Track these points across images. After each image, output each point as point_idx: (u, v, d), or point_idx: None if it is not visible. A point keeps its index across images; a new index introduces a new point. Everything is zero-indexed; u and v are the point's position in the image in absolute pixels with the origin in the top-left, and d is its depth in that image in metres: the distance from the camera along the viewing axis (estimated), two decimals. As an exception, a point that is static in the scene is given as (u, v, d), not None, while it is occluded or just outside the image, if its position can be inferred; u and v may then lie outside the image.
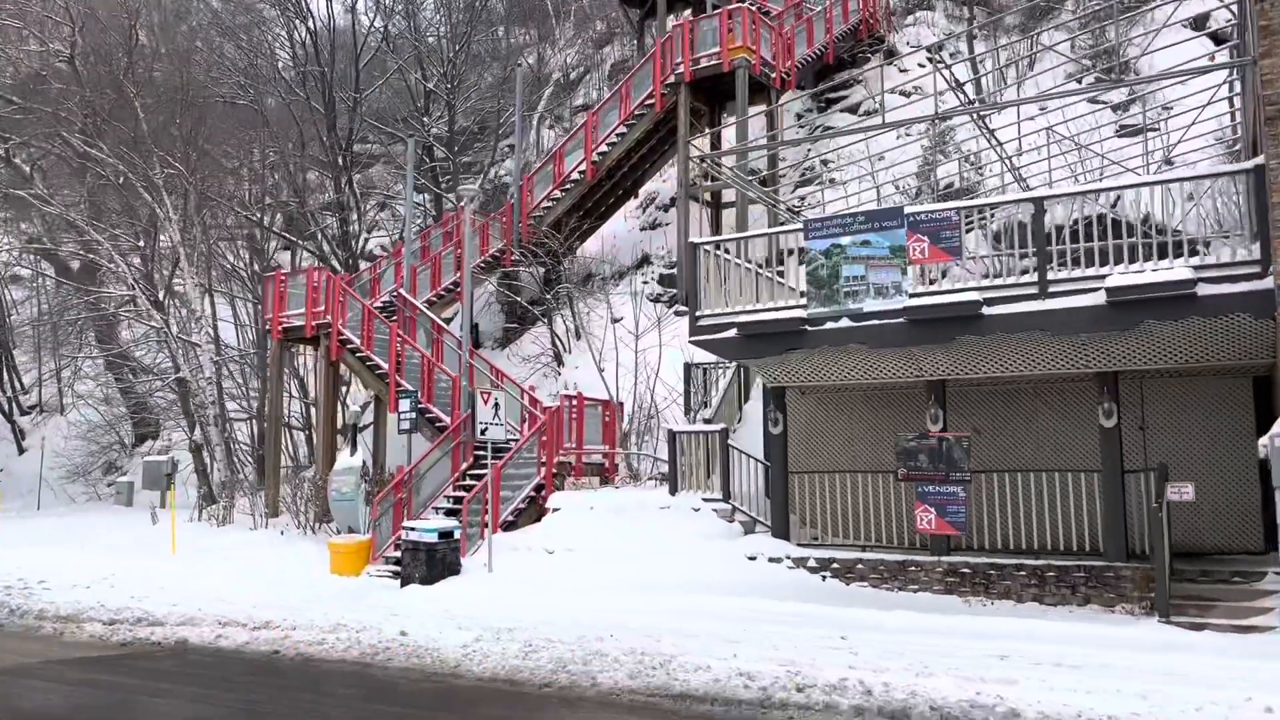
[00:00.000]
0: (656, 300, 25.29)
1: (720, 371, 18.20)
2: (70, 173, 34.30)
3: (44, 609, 12.97)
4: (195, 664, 10.04)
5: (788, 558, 13.63)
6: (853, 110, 27.78)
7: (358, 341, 21.19)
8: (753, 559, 13.84)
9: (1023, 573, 12.24)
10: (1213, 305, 10.77)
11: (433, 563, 14.92)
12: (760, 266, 14.98)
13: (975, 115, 17.51)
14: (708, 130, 26.41)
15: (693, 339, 13.97)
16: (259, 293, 26.38)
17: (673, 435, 15.61)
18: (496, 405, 15.61)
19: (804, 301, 13.11)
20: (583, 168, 25.78)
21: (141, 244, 25.13)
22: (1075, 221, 18.09)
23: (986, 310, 11.83)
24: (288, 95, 33.27)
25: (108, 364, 42.75)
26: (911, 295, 12.34)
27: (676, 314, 21.85)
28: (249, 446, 27.02)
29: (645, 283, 25.93)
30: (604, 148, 25.67)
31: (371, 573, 16.75)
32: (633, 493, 16.53)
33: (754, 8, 24.83)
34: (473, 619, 11.67)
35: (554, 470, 17.93)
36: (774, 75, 24.92)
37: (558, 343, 23.81)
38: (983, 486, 13.24)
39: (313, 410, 28.46)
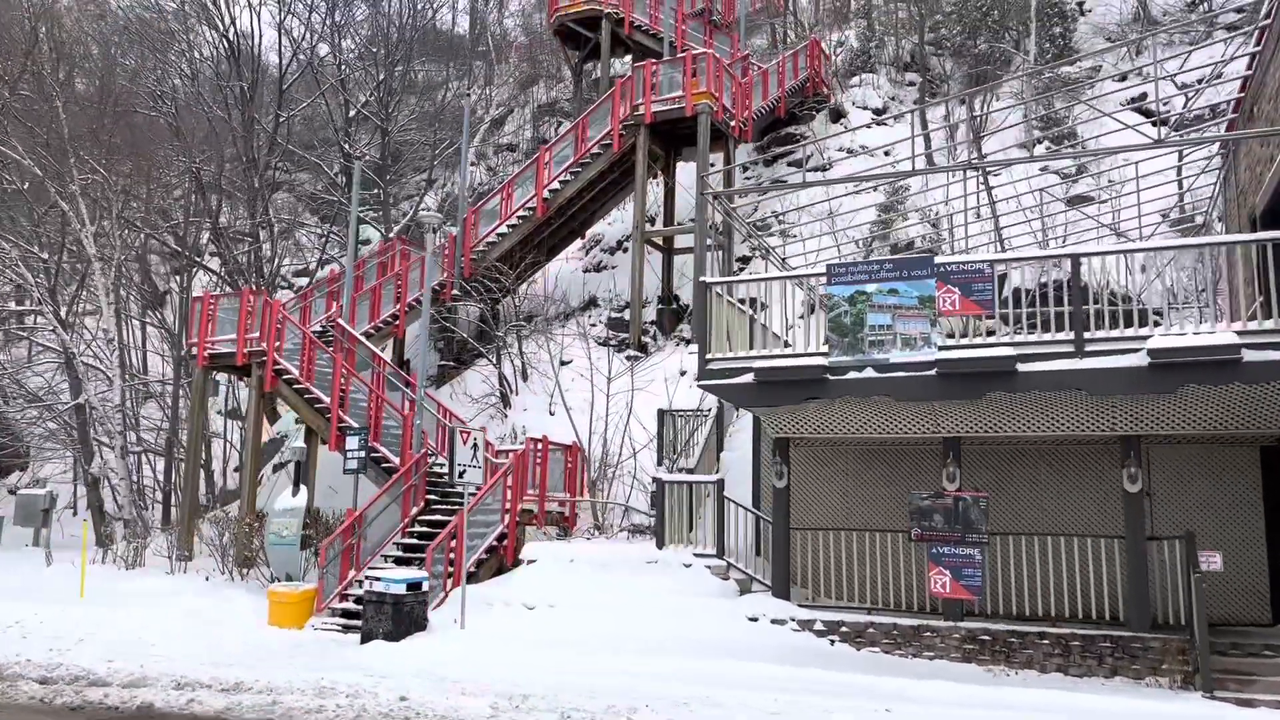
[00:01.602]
0: (605, 344, 24.48)
1: (697, 420, 17.46)
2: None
3: (-45, 664, 11.17)
4: None
5: (792, 619, 12.87)
6: (797, 164, 27.80)
7: (295, 372, 19.64)
8: (754, 620, 13.02)
9: (1046, 641, 11.79)
10: (1256, 371, 10.65)
11: (399, 617, 13.59)
12: (747, 310, 14.42)
13: (970, 170, 17.46)
14: (660, 175, 26.02)
15: (701, 383, 13.22)
16: (176, 315, 24.37)
17: (661, 485, 14.74)
18: (475, 446, 14.47)
19: (823, 349, 12.54)
20: (532, 204, 24.92)
21: (45, 256, 22.88)
22: (1044, 285, 18.30)
23: (1021, 367, 11.49)
24: (206, 110, 31.38)
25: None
26: (941, 348, 11.92)
27: (688, 352, 21.09)
28: (154, 482, 24.79)
29: (593, 325, 25.11)
30: (555, 185, 24.90)
31: (317, 625, 15.22)
32: (614, 546, 15.55)
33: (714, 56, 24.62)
34: (472, 682, 10.53)
35: (517, 519, 16.83)
36: (733, 124, 24.70)
37: (505, 383, 22.68)
38: (998, 549, 12.82)
39: (225, 445, 26.43)
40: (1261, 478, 12.96)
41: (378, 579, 13.75)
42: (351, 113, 36.05)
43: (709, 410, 17.18)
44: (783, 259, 20.70)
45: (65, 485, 33.16)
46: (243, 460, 20.12)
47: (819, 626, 12.75)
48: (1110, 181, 20.47)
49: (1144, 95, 23.53)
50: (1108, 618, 12.27)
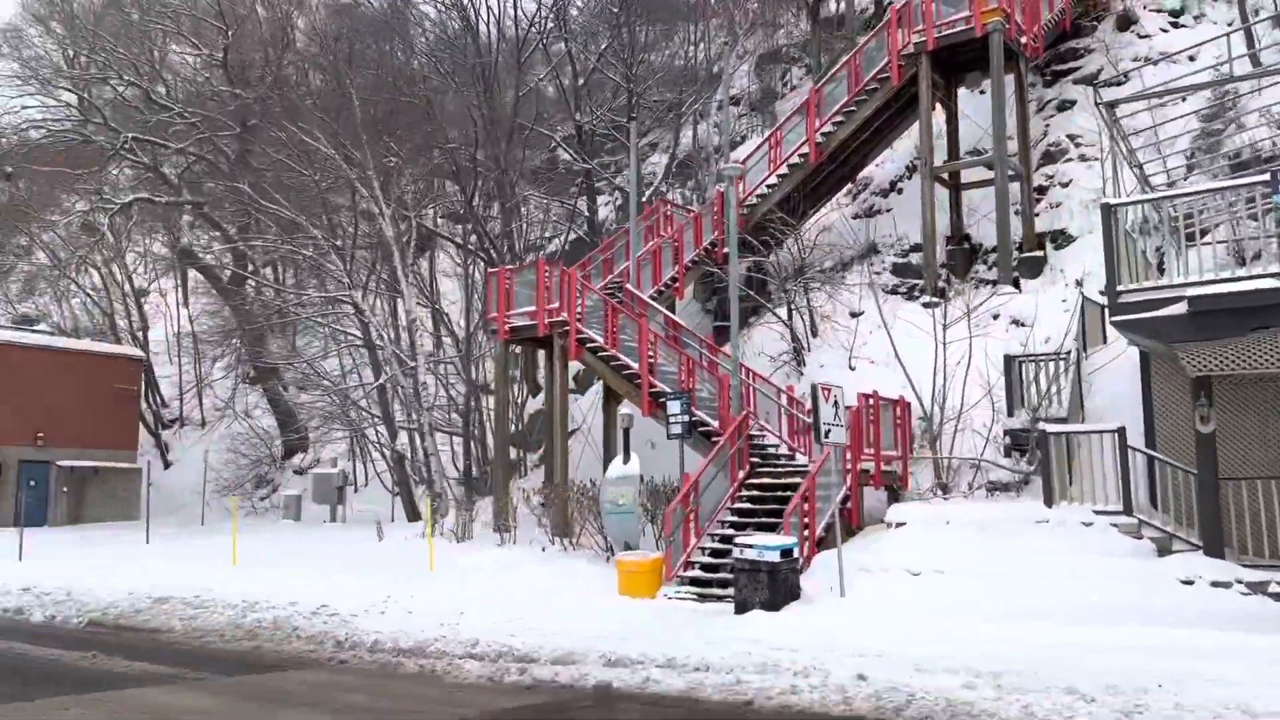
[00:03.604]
0: (894, 292, 23.08)
1: (1051, 366, 15.87)
2: (222, 180, 33.36)
3: (376, 640, 11.21)
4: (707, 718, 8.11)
5: (1239, 581, 11.29)
6: (1088, 81, 25.27)
7: (600, 340, 19.31)
8: (1188, 583, 11.52)
9: None
10: None
11: (775, 586, 12.86)
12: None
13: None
14: (939, 105, 24.19)
15: (1115, 319, 11.73)
16: (467, 291, 24.67)
17: (1046, 436, 13.35)
18: (836, 404, 13.51)
19: (1275, 270, 10.79)
20: (804, 150, 23.70)
21: (339, 243, 23.64)
22: None
23: None
24: (452, 91, 31.80)
25: (251, 378, 41.84)
26: None
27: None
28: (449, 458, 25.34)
29: (877, 273, 23.72)
30: (828, 128, 23.57)
31: (669, 594, 14.78)
32: (987, 505, 14.33)
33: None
34: (902, 656, 9.55)
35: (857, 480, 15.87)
36: (1024, 41, 22.58)
37: (796, 339, 21.68)
38: None
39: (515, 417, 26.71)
40: None
41: (749, 546, 13.06)
42: (581, 81, 35.84)
43: (1067, 353, 15.59)
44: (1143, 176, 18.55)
45: (345, 465, 34.90)
46: (552, 431, 19.99)
47: (1276, 589, 11.10)
48: None
49: None
50: None
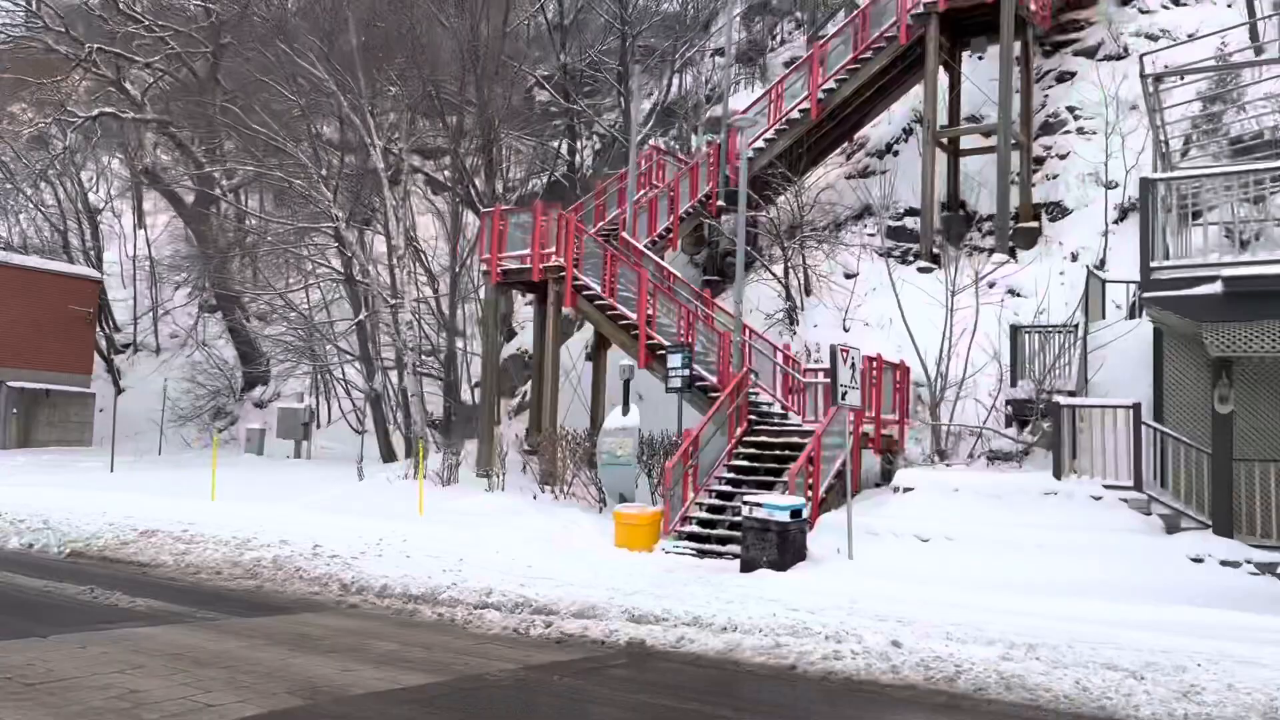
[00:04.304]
0: (887, 255, 22.94)
1: (1055, 337, 15.85)
2: (192, 99, 32.09)
3: (385, 584, 10.91)
4: (757, 682, 7.95)
5: (1248, 561, 11.43)
6: (1089, 54, 25.19)
7: (597, 288, 18.94)
8: (1198, 561, 11.65)
9: None
10: None
11: (784, 546, 12.78)
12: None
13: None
14: (944, 69, 23.90)
15: (1147, 295, 11.68)
16: (452, 231, 24.02)
17: (1058, 408, 13.36)
18: (853, 365, 13.36)
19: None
20: (805, 105, 23.34)
21: (324, 171, 22.79)
22: None
23: None
24: (438, 23, 30.72)
25: (209, 307, 40.70)
26: None
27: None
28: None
29: (871, 235, 23.55)
30: (830, 84, 23.22)
31: (667, 549, 14.65)
32: (997, 475, 14.34)
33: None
34: (926, 623, 9.49)
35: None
36: (1035, 9, 22.36)
37: (792, 296, 21.49)
38: None
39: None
40: None
41: (759, 505, 12.94)
42: (569, 20, 34.94)
43: (1074, 326, 15.59)
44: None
45: (309, 401, 34.19)
46: (541, 378, 19.65)
47: (1284, 569, 11.25)
48: None
49: None
50: None
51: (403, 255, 22.37)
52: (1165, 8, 25.64)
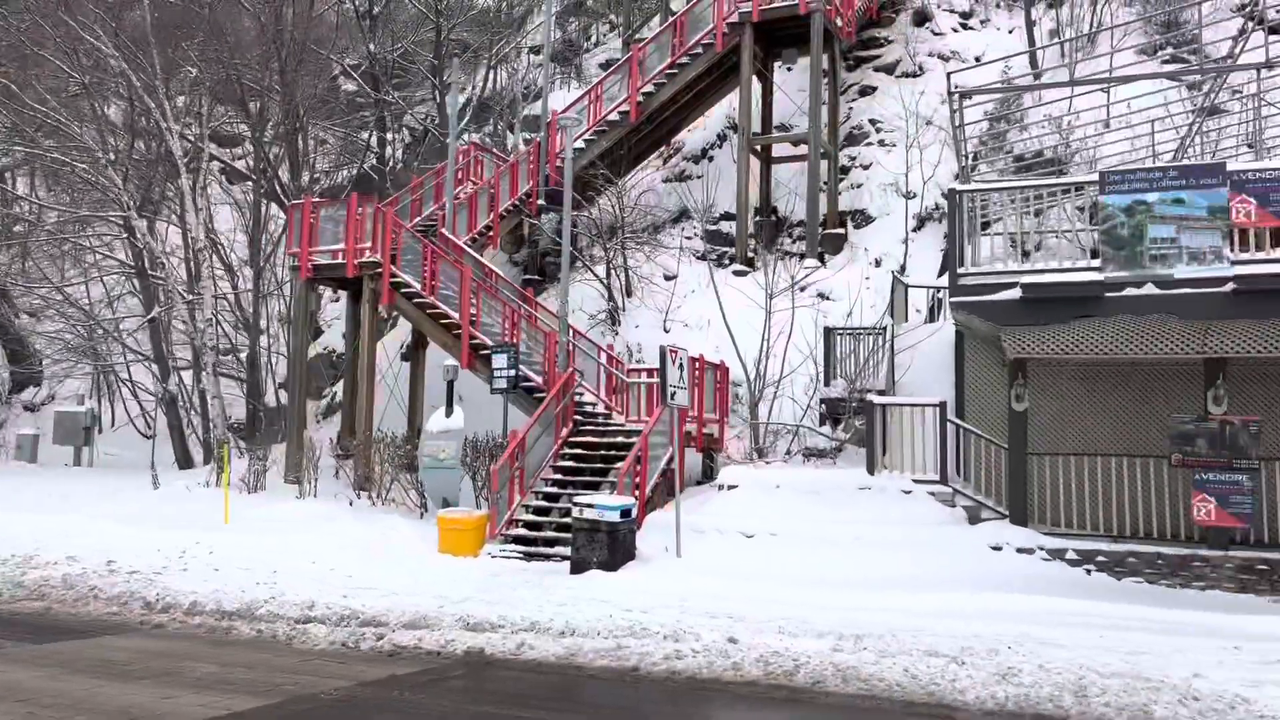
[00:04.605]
0: (703, 258, 23.45)
1: (867, 339, 16.64)
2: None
3: (194, 601, 10.14)
4: (601, 685, 7.79)
5: (1040, 549, 12.35)
6: (888, 70, 26.66)
7: (417, 286, 18.37)
8: (997, 549, 12.48)
9: (1329, 569, 11.40)
10: None
11: (614, 546, 12.78)
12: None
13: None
14: (757, 78, 24.65)
15: (954, 300, 12.39)
16: (253, 224, 22.67)
17: (872, 407, 14.00)
18: (681, 366, 13.52)
19: (1095, 264, 11.75)
20: (625, 107, 23.54)
21: (113, 156, 20.97)
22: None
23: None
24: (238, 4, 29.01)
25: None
26: (1235, 262, 11.19)
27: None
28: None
29: (688, 238, 24.00)
30: (649, 87, 23.51)
31: (494, 553, 14.37)
32: (815, 471, 14.86)
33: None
34: (758, 620, 9.74)
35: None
36: (841, 24, 23.42)
37: (614, 297, 21.59)
38: (1277, 475, 12.33)
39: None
40: None
41: (589, 505, 12.89)
42: (378, 9, 33.84)
43: (883, 327, 16.41)
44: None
45: (90, 404, 31.54)
46: (356, 379, 18.89)
47: (1071, 556, 12.24)
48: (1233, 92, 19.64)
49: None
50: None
51: (201, 248, 20.92)
52: (955, 30, 27.41)
